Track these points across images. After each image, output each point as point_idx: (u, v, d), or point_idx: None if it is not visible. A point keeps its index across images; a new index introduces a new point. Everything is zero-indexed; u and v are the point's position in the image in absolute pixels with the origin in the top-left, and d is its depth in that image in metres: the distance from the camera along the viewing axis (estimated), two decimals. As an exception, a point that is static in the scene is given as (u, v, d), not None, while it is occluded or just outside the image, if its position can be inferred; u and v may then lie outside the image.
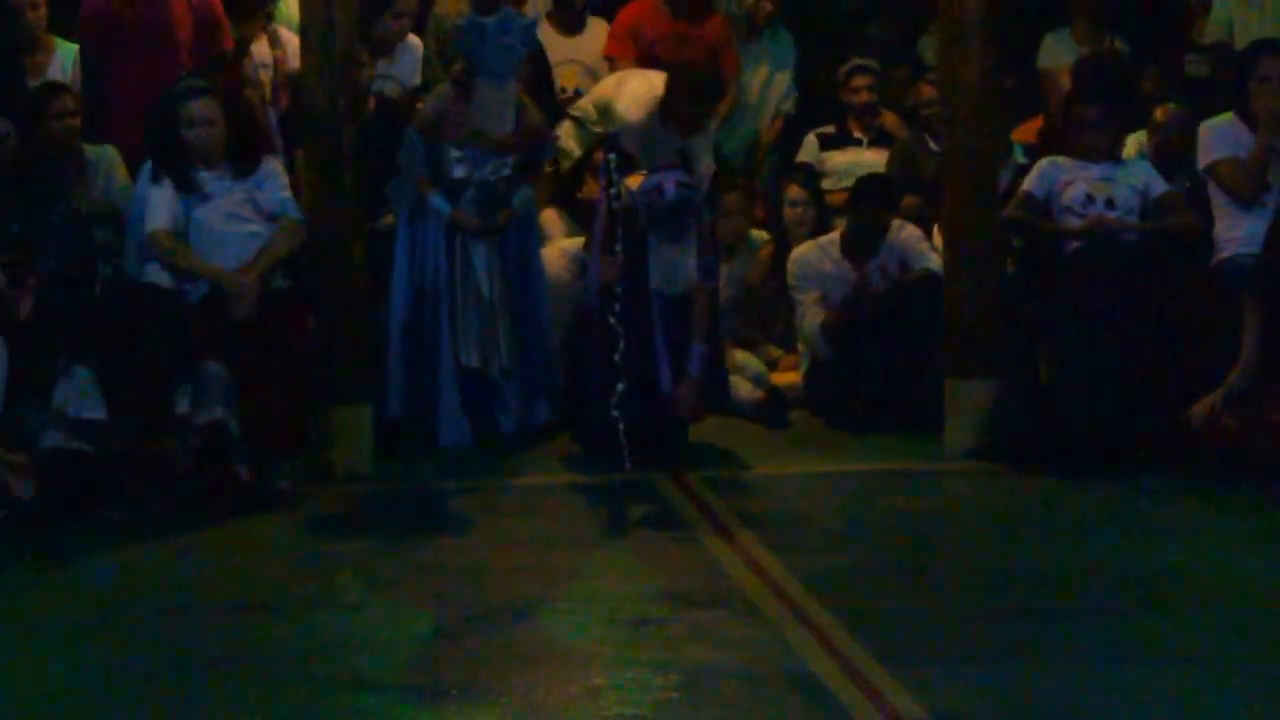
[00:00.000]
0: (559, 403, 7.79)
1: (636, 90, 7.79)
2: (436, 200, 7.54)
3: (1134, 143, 8.35)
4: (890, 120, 9.33)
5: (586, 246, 7.72)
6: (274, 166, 7.28)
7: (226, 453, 6.76)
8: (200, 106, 7.09)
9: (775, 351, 8.60)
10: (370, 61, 8.16)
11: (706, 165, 7.46)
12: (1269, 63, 7.53)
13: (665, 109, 7.44)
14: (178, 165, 7.09)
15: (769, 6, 9.41)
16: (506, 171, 7.55)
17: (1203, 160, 7.58)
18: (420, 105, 7.90)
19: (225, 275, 6.98)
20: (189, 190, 7.08)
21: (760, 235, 8.88)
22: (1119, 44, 9.36)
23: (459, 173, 7.54)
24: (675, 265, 7.19)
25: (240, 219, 7.11)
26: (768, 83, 9.46)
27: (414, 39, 8.69)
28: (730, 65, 9.11)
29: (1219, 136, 7.55)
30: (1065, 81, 8.81)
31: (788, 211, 8.72)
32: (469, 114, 7.50)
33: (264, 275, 7.01)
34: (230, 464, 6.77)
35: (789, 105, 9.52)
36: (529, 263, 7.70)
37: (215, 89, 7.29)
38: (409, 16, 8.62)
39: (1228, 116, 7.58)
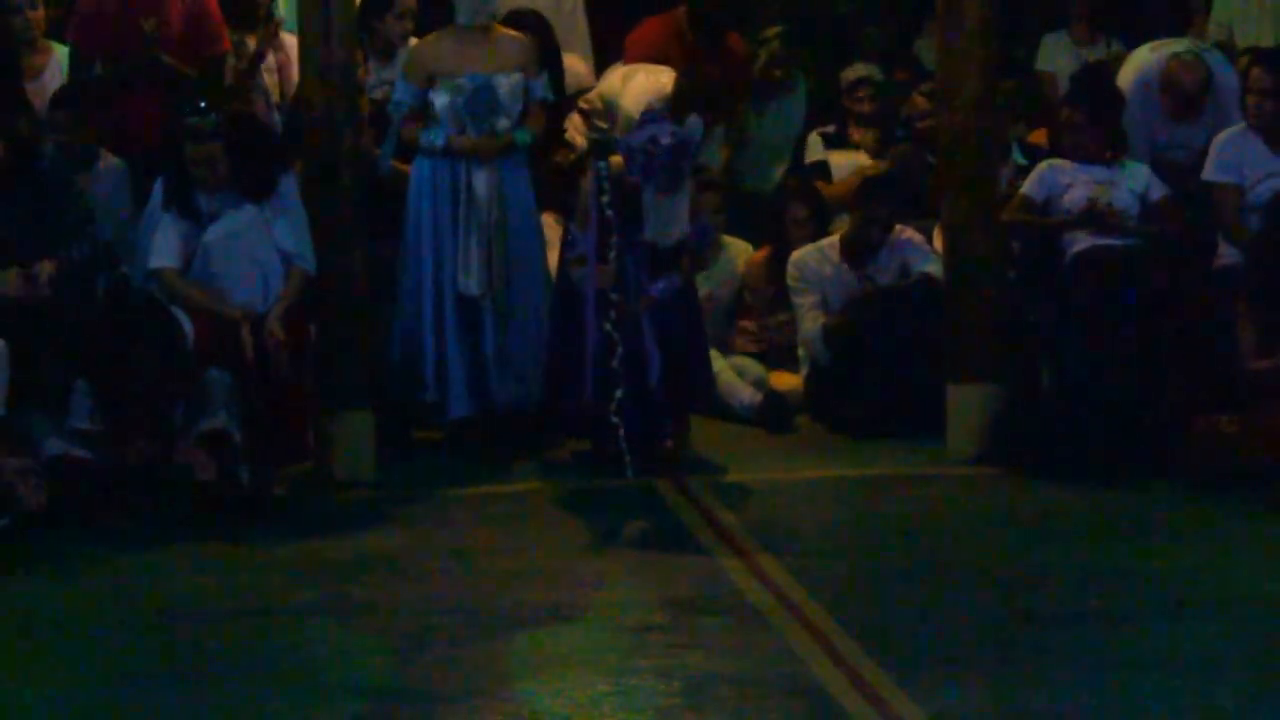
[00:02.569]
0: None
1: (643, 86, 7.82)
2: (429, 137, 7.55)
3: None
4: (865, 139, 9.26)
5: (564, 260, 7.66)
6: (292, 193, 7.23)
7: (229, 459, 6.74)
8: (203, 151, 7.07)
9: (777, 319, 8.55)
10: (364, 62, 8.14)
11: (695, 120, 7.45)
12: (1258, 74, 7.52)
13: (674, 112, 7.46)
14: (187, 195, 7.10)
15: (778, 73, 9.39)
16: (499, 81, 7.54)
17: (1206, 171, 7.57)
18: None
19: (237, 315, 6.96)
20: (195, 219, 7.10)
21: (736, 243, 8.82)
22: (1117, 45, 9.35)
23: (444, 100, 7.51)
24: (671, 215, 7.17)
25: (249, 245, 7.10)
26: (781, 146, 9.49)
27: (415, 42, 8.67)
28: (741, 88, 9.09)
29: (1226, 152, 7.53)
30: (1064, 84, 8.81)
31: (793, 229, 8.68)
32: (455, 29, 7.56)
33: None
34: (233, 470, 6.75)
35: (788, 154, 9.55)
36: (527, 218, 7.66)
37: (219, 126, 7.18)
38: (411, 18, 8.62)
39: (1241, 126, 7.58)
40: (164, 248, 7.10)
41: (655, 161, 7.08)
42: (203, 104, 7.25)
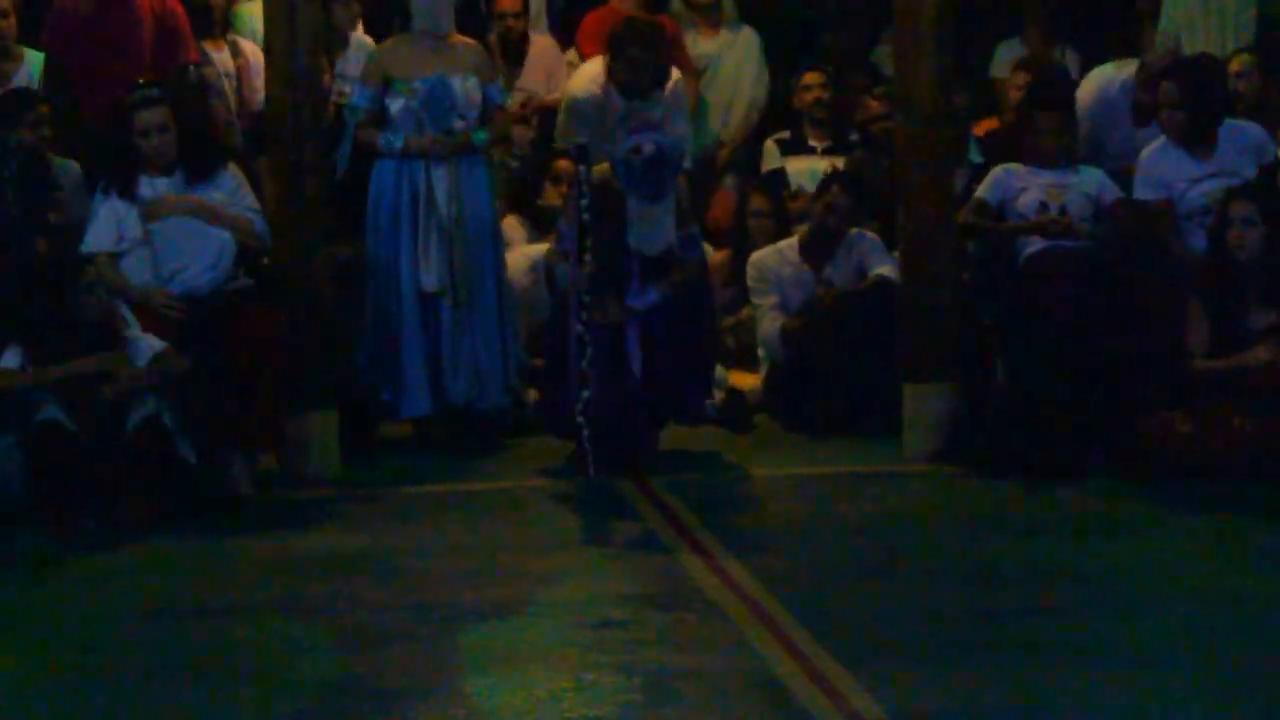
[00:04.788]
0: (516, 402, 7.85)
1: (584, 70, 7.97)
2: (387, 139, 7.61)
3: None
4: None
5: (550, 252, 7.74)
6: (235, 173, 7.33)
7: (166, 444, 6.73)
8: (151, 115, 7.13)
9: (737, 319, 8.63)
10: (330, 67, 8.18)
11: (682, 130, 7.54)
12: (1167, 88, 7.64)
13: (613, 60, 7.58)
14: (129, 175, 7.13)
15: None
16: (455, 82, 7.61)
17: (1136, 190, 7.69)
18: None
19: (157, 296, 7.03)
20: (134, 201, 7.12)
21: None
22: (1070, 53, 9.46)
23: (400, 103, 7.58)
24: (655, 224, 7.20)
25: (199, 225, 7.15)
26: (737, 75, 9.57)
27: (367, 38, 8.72)
28: (686, 62, 9.21)
29: (1150, 169, 7.63)
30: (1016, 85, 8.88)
31: (751, 222, 8.77)
32: (412, 35, 7.70)
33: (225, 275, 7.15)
34: (176, 453, 6.74)
35: (760, 92, 9.60)
36: (485, 217, 7.73)
37: (167, 96, 7.30)
38: (359, 1, 8.72)
39: (1160, 141, 7.68)
40: (100, 231, 7.13)
41: (636, 170, 7.13)
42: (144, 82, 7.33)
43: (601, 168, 7.32)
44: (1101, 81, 8.25)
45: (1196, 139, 7.57)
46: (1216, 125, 7.61)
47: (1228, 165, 7.56)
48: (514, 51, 9.17)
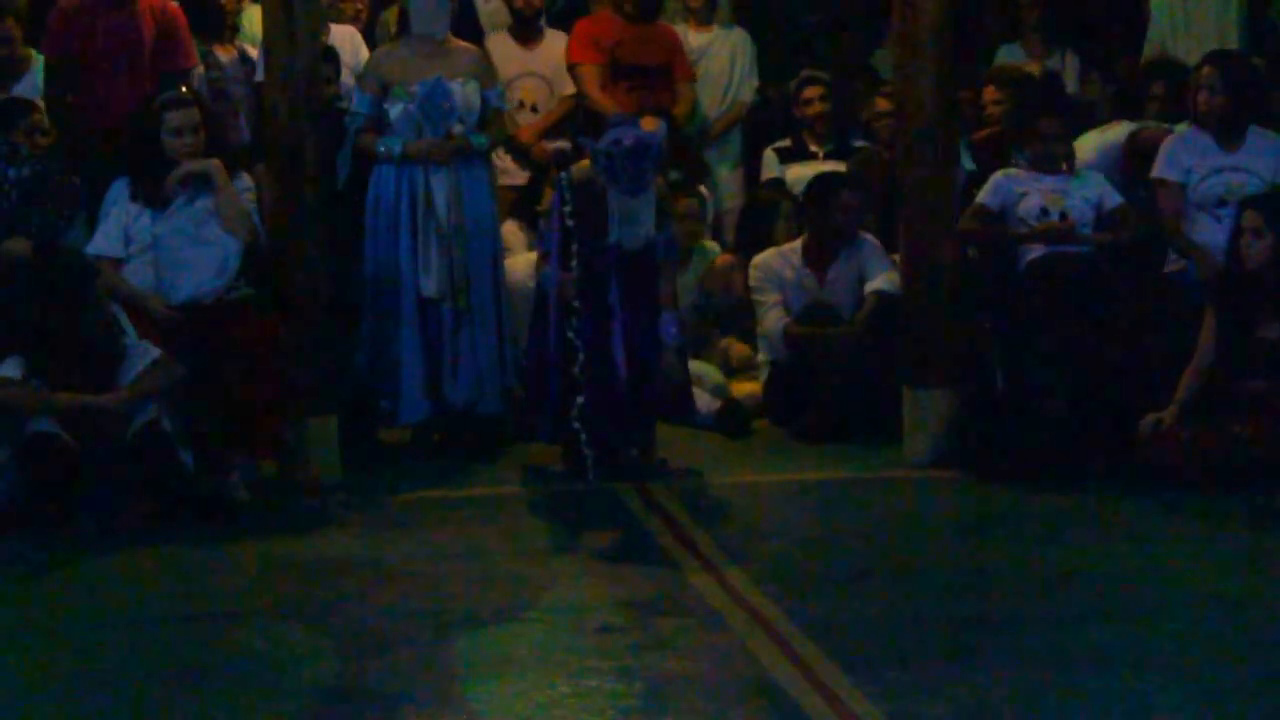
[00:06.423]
0: (512, 404, 7.85)
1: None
2: (386, 145, 7.62)
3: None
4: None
5: (541, 240, 7.75)
6: (244, 182, 7.35)
7: (165, 450, 6.75)
8: (184, 115, 7.18)
9: (733, 343, 8.64)
10: (335, 79, 8.18)
11: (659, 125, 7.58)
12: (1209, 72, 7.64)
13: None
14: (155, 176, 7.14)
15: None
16: (454, 86, 7.62)
17: (1155, 169, 7.69)
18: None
19: (153, 301, 7.06)
20: (158, 204, 7.13)
21: (713, 245, 8.95)
22: (1070, 56, 9.47)
23: (399, 107, 7.60)
24: (635, 217, 7.21)
25: (203, 232, 7.16)
26: (730, 69, 9.59)
27: (353, 30, 8.73)
28: (684, 68, 9.23)
29: (1175, 150, 7.63)
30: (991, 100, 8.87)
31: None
32: (409, 40, 7.73)
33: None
34: (175, 459, 6.76)
35: (747, 93, 9.64)
36: (485, 222, 7.74)
37: (197, 99, 7.38)
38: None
39: (1190, 125, 7.69)
40: (107, 235, 7.17)
41: (616, 164, 7.14)
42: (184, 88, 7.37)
43: (583, 164, 7.34)
44: (1085, 149, 8.22)
45: (1228, 125, 7.57)
46: (1250, 117, 7.62)
47: (1251, 164, 7.56)
48: (529, 29, 9.18)
